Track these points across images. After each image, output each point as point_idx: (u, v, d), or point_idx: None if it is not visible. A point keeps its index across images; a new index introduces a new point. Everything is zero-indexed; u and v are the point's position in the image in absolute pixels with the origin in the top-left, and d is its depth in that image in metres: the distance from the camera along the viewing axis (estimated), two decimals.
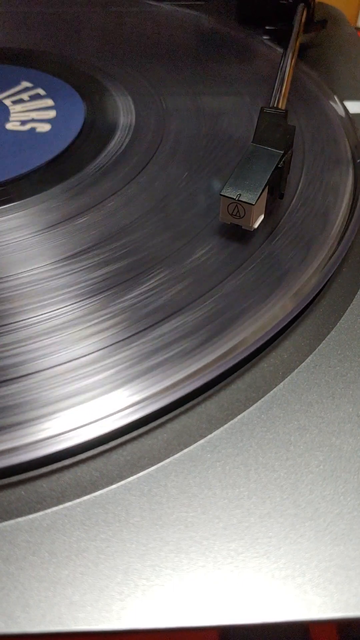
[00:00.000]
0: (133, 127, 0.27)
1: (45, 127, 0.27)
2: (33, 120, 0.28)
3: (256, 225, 0.20)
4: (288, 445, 0.15)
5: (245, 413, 0.16)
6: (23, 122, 0.27)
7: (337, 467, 0.14)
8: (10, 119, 0.28)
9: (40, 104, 0.29)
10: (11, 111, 0.28)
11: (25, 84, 0.31)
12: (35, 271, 0.20)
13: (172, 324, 0.17)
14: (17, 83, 0.31)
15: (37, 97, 0.29)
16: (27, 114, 0.28)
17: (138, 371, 0.16)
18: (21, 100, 0.29)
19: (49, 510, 0.14)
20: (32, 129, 0.27)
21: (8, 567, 0.13)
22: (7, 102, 0.29)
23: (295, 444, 0.15)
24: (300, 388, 0.16)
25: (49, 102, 0.29)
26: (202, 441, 0.15)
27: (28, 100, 0.29)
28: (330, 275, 0.19)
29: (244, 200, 0.19)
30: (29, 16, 0.41)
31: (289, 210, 0.22)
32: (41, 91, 0.30)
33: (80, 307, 0.18)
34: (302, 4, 0.34)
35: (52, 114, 0.28)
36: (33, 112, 0.28)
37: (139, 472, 0.14)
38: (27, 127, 0.27)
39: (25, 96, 0.29)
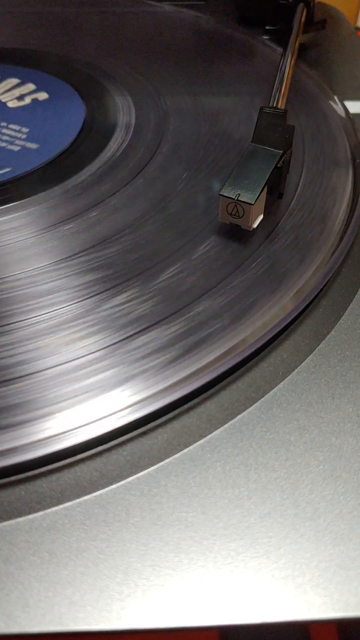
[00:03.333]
0: (133, 127, 0.27)
1: (43, 95, 0.27)
2: (28, 94, 0.28)
3: (255, 225, 0.20)
4: (288, 445, 0.15)
5: (245, 413, 0.16)
6: (20, 98, 0.28)
7: (337, 467, 0.14)
8: (5, 99, 0.28)
9: (27, 88, 0.29)
10: (5, 99, 0.29)
11: (29, 85, 0.31)
12: (35, 271, 0.19)
13: (172, 324, 0.17)
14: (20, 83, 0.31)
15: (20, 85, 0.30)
16: (15, 91, 0.29)
17: (138, 371, 0.16)
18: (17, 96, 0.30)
19: (48, 510, 0.14)
20: (35, 100, 0.27)
21: (8, 567, 0.13)
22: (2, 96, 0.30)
23: (295, 444, 0.15)
24: (300, 388, 0.16)
25: (32, 86, 0.29)
26: (202, 441, 0.15)
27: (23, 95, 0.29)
28: (330, 275, 0.19)
29: (243, 200, 0.19)
30: (29, 16, 0.41)
31: (289, 210, 0.22)
32: (33, 88, 0.30)
33: (80, 306, 0.18)
34: (301, 4, 0.34)
35: (44, 95, 0.28)
36: (19, 90, 0.29)
37: (139, 472, 0.14)
38: (28, 100, 0.27)
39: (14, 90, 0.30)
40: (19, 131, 0.27)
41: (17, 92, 0.29)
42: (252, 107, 0.28)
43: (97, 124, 0.28)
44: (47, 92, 0.29)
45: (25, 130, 0.27)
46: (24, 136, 0.27)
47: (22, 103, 0.28)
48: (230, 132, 0.27)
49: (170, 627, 0.12)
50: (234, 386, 0.16)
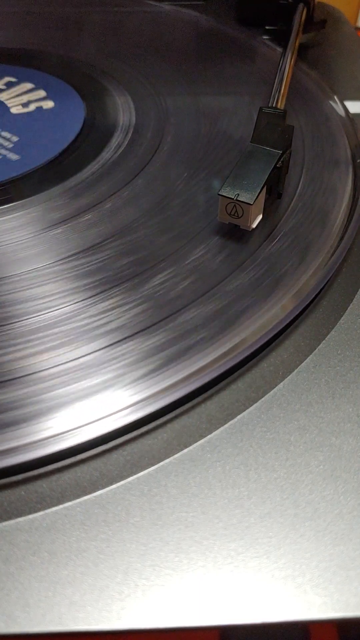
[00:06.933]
0: (133, 127, 0.27)
1: (49, 104, 0.28)
2: (32, 101, 0.28)
3: (254, 225, 0.20)
4: (288, 445, 0.15)
5: (245, 413, 0.16)
6: (25, 105, 0.28)
7: (337, 467, 0.14)
8: (9, 105, 0.29)
9: (34, 95, 0.30)
10: (8, 104, 0.29)
11: (26, 84, 0.31)
12: (36, 271, 0.20)
13: (172, 324, 0.17)
14: (18, 84, 0.31)
15: (32, 90, 0.30)
16: (22, 97, 0.29)
17: (138, 371, 0.16)
18: (17, 96, 0.30)
19: (49, 510, 0.14)
20: (39, 108, 0.28)
21: (8, 567, 0.13)
22: (4, 97, 0.30)
23: (295, 444, 0.15)
24: (300, 388, 0.16)
25: (42, 93, 0.30)
26: (202, 441, 0.15)
27: (23, 93, 0.30)
28: (330, 275, 0.19)
29: (242, 200, 0.19)
30: (29, 16, 0.41)
31: (289, 210, 0.22)
32: (42, 92, 0.30)
33: (80, 307, 0.18)
34: (301, 4, 0.34)
35: (50, 103, 0.29)
36: (27, 96, 0.29)
37: (139, 472, 0.14)
38: (32, 107, 0.28)
39: (23, 95, 0.30)
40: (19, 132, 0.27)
41: (25, 98, 0.30)
42: (252, 107, 0.28)
43: (97, 124, 0.28)
44: (52, 99, 0.30)
45: (25, 130, 0.27)
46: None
47: (26, 110, 0.29)
48: (230, 132, 0.27)
49: (170, 627, 0.12)
50: (234, 386, 0.16)
